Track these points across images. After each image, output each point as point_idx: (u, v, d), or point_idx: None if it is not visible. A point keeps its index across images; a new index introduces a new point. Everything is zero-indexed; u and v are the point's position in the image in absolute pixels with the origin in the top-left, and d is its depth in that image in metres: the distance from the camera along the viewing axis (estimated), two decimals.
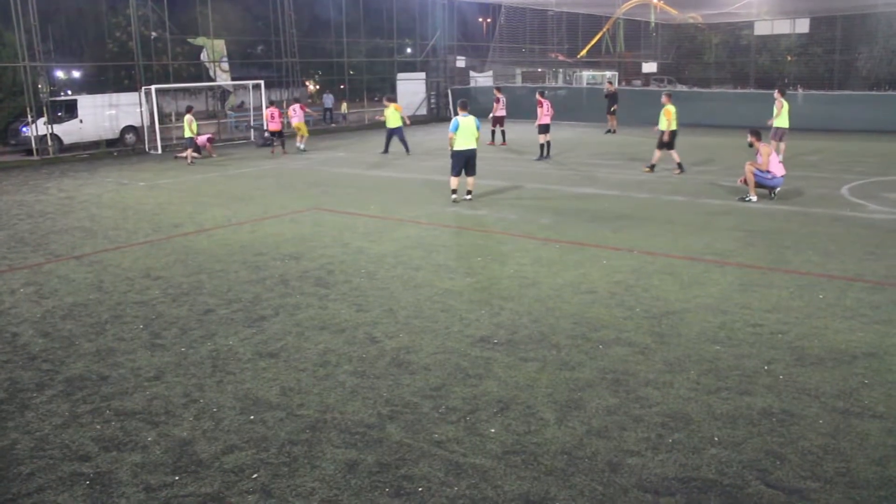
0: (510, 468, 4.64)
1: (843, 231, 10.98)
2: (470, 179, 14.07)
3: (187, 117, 22.56)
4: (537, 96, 21.71)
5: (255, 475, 4.64)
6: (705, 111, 30.51)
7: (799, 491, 4.33)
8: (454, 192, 14.07)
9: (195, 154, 22.76)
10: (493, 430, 5.12)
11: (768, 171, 13.32)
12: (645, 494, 4.34)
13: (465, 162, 13.84)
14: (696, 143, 24.11)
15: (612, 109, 28.48)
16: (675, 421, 5.19)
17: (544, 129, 20.99)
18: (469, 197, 14.11)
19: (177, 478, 4.64)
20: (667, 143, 17.39)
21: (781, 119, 18.06)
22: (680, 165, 17.42)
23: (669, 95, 17.85)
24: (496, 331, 7.07)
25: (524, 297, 8.06)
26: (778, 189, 13.60)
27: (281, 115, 24.69)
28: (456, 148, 13.76)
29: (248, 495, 4.43)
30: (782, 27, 44.11)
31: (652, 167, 17.74)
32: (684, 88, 40.44)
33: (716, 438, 4.94)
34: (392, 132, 22.73)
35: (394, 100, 25.37)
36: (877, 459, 4.64)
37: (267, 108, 25.71)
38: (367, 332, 7.12)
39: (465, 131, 13.65)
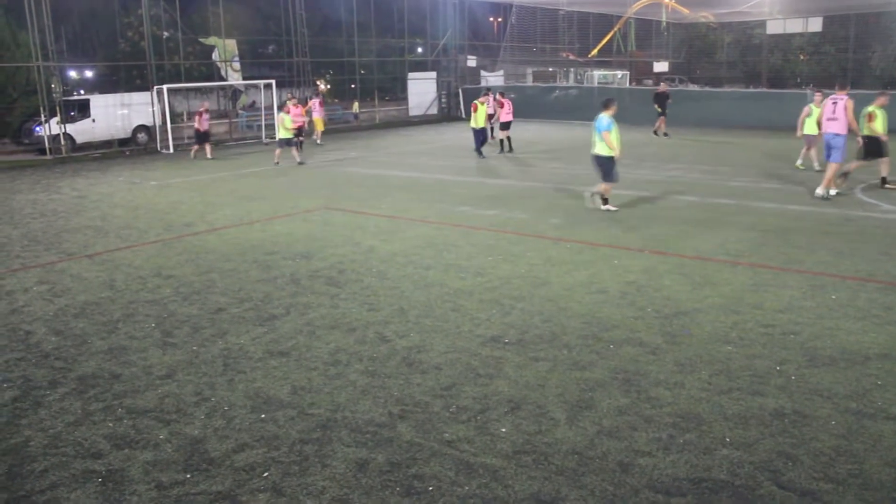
0: (521, 468, 4.63)
1: (856, 231, 10.91)
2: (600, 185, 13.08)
3: (282, 115, 21.20)
4: (498, 96, 22.47)
5: (265, 474, 4.66)
6: (717, 111, 30.39)
7: (811, 492, 4.31)
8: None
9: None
10: (503, 430, 5.11)
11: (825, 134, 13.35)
12: (656, 495, 4.32)
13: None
14: (707, 143, 24.04)
15: (665, 110, 26.62)
16: (686, 421, 5.17)
17: (506, 126, 22.00)
18: (593, 204, 13.08)
19: (188, 476, 4.66)
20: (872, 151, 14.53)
21: (809, 125, 16.66)
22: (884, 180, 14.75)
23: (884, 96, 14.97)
24: (507, 330, 7.06)
25: (535, 297, 8.05)
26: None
27: (302, 110, 23.47)
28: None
29: (258, 494, 4.44)
30: (795, 26, 43.85)
31: (845, 175, 14.32)
32: (695, 88, 40.30)
33: (727, 439, 4.92)
34: (477, 132, 21.63)
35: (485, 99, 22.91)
36: (890, 461, 4.60)
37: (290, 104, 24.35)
38: (377, 332, 7.13)
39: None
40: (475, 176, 17.81)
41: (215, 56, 32.90)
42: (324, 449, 4.93)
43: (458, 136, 29.70)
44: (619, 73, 48.16)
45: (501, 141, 22.29)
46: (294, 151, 21.16)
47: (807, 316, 7.25)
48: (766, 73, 46.41)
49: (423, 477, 4.57)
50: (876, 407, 5.31)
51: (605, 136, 12.41)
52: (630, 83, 45.26)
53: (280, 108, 22.66)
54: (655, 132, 26.64)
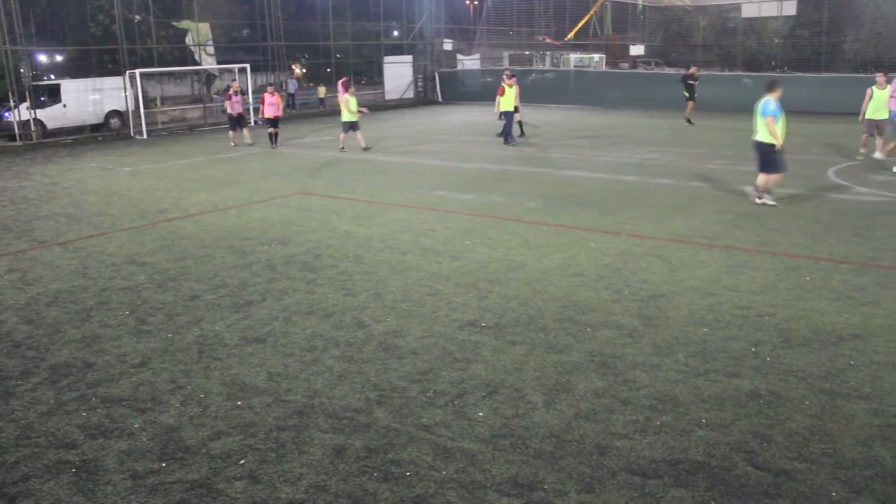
0: (498, 452, 4.64)
1: (830, 213, 11.01)
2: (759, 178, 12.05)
3: (346, 97, 19.82)
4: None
5: (242, 461, 4.62)
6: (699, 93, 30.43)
7: (786, 472, 4.35)
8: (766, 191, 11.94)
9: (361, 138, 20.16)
10: (480, 414, 5.11)
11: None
12: (633, 477, 4.34)
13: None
14: (684, 126, 24.12)
15: (693, 95, 25.26)
16: (662, 403, 5.20)
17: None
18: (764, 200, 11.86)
19: (163, 464, 4.62)
20: None
21: (872, 110, 16.08)
22: None
23: None
24: (484, 314, 7.05)
25: (512, 281, 8.05)
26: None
27: (278, 99, 22.07)
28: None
29: (235, 481, 4.41)
30: (770, 9, 44.07)
31: None
32: (672, 71, 40.41)
33: (703, 420, 4.95)
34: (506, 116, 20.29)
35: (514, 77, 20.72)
36: (862, 440, 4.66)
37: (265, 91, 22.55)
38: (354, 317, 7.10)
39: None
40: (452, 160, 17.74)
41: (189, 40, 32.46)
42: (301, 435, 4.91)
43: (435, 119, 29.60)
44: (596, 57, 48.17)
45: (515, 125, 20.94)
46: (358, 136, 19.90)
47: (781, 297, 7.31)
48: (742, 57, 46.60)
49: (401, 462, 4.56)
50: (849, 387, 5.37)
51: (769, 123, 11.26)
52: (605, 66, 45.24)
53: (260, 92, 21.57)
54: (688, 120, 24.64)
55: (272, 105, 21.40)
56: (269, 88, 22.15)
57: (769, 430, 4.82)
